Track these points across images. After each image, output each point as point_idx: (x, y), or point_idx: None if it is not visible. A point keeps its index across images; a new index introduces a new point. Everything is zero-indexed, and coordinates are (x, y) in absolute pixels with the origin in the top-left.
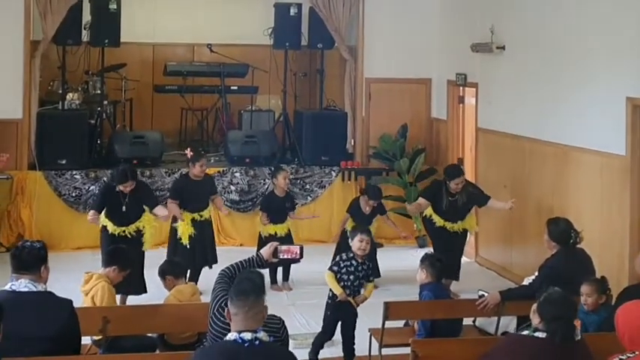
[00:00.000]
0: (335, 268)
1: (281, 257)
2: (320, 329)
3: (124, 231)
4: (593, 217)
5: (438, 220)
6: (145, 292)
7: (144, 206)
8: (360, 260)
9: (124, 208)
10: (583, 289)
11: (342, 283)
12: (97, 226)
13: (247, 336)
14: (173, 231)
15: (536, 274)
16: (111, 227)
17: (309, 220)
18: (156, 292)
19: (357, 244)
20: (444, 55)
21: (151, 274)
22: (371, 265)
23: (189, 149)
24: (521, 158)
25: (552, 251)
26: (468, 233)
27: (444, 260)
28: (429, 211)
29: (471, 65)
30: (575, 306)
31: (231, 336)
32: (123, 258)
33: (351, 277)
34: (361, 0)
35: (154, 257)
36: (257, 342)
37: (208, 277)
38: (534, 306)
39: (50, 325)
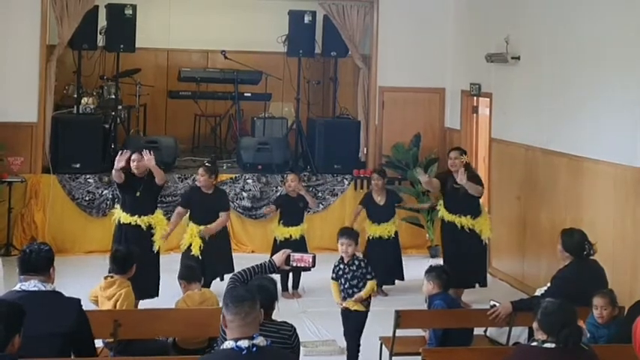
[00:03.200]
0: (333, 276)
1: (293, 265)
2: (331, 337)
3: (135, 221)
4: (607, 229)
5: (446, 215)
6: (157, 295)
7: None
8: (347, 261)
9: (137, 193)
10: (598, 301)
11: (340, 288)
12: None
13: (244, 343)
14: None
15: (549, 284)
16: (124, 217)
17: (321, 227)
18: (169, 297)
19: (339, 247)
20: (458, 64)
21: (163, 279)
22: (364, 263)
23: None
24: (534, 169)
25: (565, 262)
26: (483, 239)
27: (450, 271)
28: (441, 211)
29: (485, 75)
30: (575, 309)
31: (227, 344)
32: (129, 256)
33: (342, 280)
34: (375, 8)
35: (169, 262)
36: (254, 349)
37: (222, 281)
38: (535, 324)
39: (61, 322)
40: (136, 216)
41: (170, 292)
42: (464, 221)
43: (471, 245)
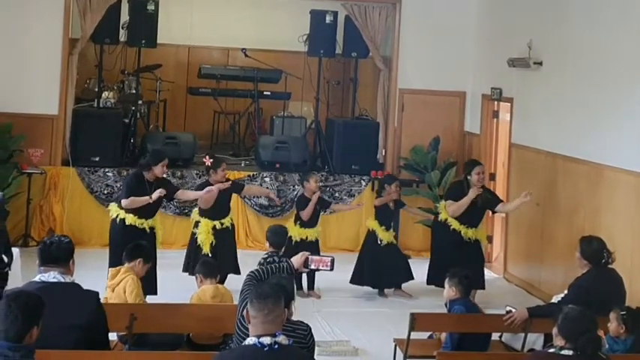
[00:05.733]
0: None
1: (312, 267)
2: (345, 337)
3: (142, 223)
4: (625, 238)
5: (454, 224)
6: (155, 293)
7: (166, 199)
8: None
9: (150, 199)
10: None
11: None
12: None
13: (266, 340)
14: (193, 237)
15: (566, 292)
16: (130, 219)
17: (337, 228)
18: (181, 292)
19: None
20: (479, 68)
21: (173, 275)
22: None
23: (207, 156)
24: (554, 176)
25: (583, 270)
26: (481, 244)
27: (470, 275)
28: (444, 214)
29: (506, 80)
30: (596, 319)
31: (250, 340)
32: (145, 251)
33: None
34: (397, 10)
35: (176, 257)
36: (276, 346)
37: (238, 278)
38: (555, 329)
39: (80, 314)
40: (143, 219)
41: (184, 287)
42: (470, 233)
43: (473, 251)
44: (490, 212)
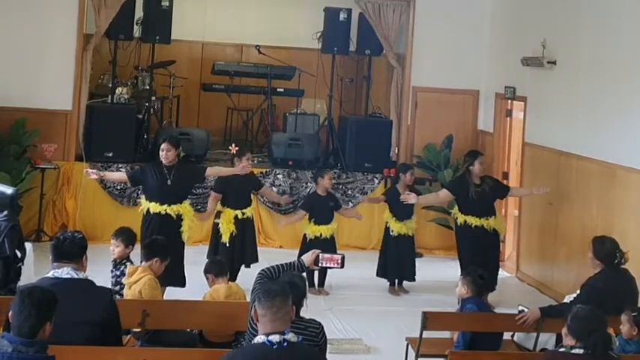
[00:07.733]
0: None
1: (323, 265)
2: (357, 335)
3: (165, 210)
4: (638, 238)
5: (474, 221)
6: (184, 285)
7: (192, 182)
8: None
9: (169, 182)
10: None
11: None
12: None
13: (275, 338)
14: (215, 227)
15: (578, 292)
16: (153, 207)
17: (349, 225)
18: (196, 288)
19: None
20: (493, 67)
21: (191, 270)
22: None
23: (234, 145)
24: (567, 175)
25: (596, 270)
26: (499, 238)
27: (486, 276)
28: (461, 217)
29: (520, 79)
30: (605, 318)
31: (259, 339)
32: (161, 248)
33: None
34: (412, 8)
35: (196, 254)
36: (285, 344)
37: (251, 275)
38: (564, 329)
39: (93, 311)
40: (166, 205)
41: (199, 285)
42: (490, 223)
43: (493, 247)
44: (502, 201)
